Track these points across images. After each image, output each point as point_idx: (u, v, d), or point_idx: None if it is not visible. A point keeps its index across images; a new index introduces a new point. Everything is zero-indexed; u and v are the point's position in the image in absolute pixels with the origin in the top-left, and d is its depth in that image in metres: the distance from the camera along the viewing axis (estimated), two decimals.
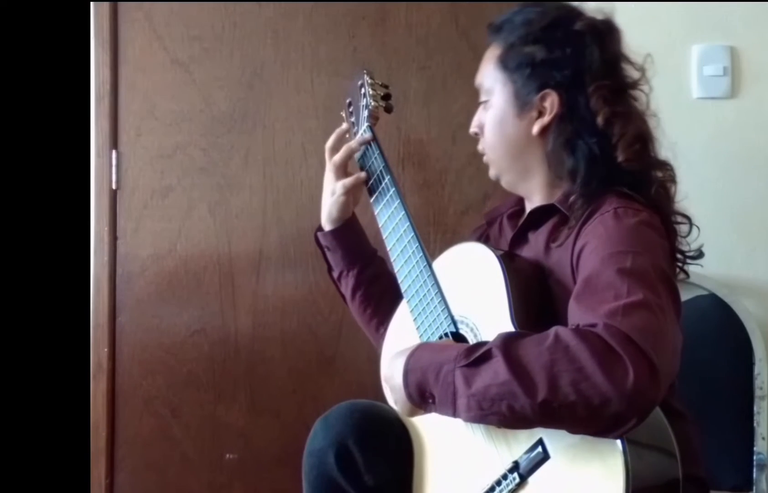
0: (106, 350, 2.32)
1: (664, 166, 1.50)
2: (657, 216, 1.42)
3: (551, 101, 1.47)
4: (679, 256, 1.48)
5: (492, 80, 1.53)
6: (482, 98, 1.57)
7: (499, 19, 1.56)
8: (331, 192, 1.68)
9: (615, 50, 1.52)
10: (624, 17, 2.26)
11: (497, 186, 1.61)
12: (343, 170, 1.68)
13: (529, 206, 1.57)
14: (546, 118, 1.48)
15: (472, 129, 1.59)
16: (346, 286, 1.74)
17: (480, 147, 1.59)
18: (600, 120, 1.44)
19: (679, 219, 1.49)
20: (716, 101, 2.26)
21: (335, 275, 1.76)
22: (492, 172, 1.58)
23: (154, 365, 2.34)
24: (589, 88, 1.46)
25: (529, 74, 1.48)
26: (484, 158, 1.58)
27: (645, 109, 1.52)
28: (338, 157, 1.67)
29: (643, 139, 1.47)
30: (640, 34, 2.26)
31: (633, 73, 1.52)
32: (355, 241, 1.72)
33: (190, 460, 2.33)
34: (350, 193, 1.68)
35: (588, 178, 1.44)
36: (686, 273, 1.51)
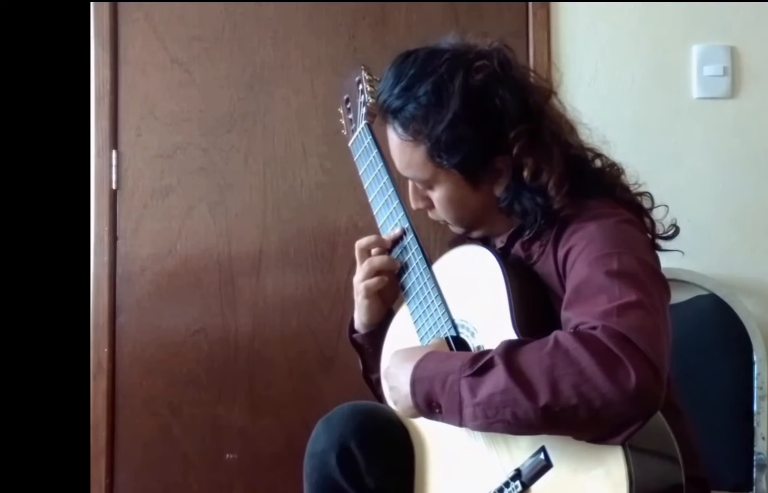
0: (106, 350, 2.32)
1: (606, 161, 1.48)
2: (632, 211, 1.42)
3: (504, 163, 1.43)
4: (658, 242, 1.47)
5: (430, 174, 1.45)
6: (417, 184, 1.49)
7: (387, 102, 1.44)
8: (358, 293, 1.57)
9: (518, 76, 1.45)
10: (625, 17, 2.29)
11: None
12: (372, 273, 1.54)
13: (496, 239, 1.54)
14: (505, 178, 1.44)
15: (417, 206, 1.51)
16: None
17: (434, 217, 1.53)
18: (527, 175, 1.40)
19: (644, 201, 1.47)
20: (716, 101, 2.27)
21: (375, 376, 1.62)
22: (457, 231, 1.54)
23: (154, 365, 2.34)
24: (510, 137, 1.40)
25: (472, 156, 1.41)
26: (442, 222, 1.53)
27: (563, 109, 1.48)
28: (377, 261, 1.53)
29: (572, 169, 1.43)
30: (640, 34, 2.29)
31: (543, 83, 1.49)
32: None
33: (190, 460, 2.33)
34: (375, 296, 1.55)
35: (535, 219, 1.42)
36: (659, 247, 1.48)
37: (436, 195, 1.47)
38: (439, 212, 1.50)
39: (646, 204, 1.47)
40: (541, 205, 1.41)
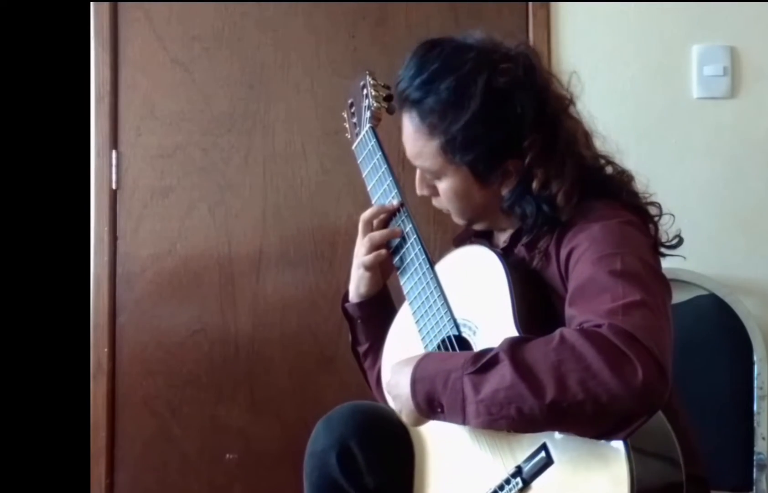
0: (106, 350, 2.32)
1: (617, 168, 1.48)
2: (635, 214, 1.42)
3: (515, 166, 1.43)
4: (661, 249, 1.47)
5: (439, 165, 1.46)
6: (426, 173, 1.50)
7: (406, 91, 1.44)
8: (358, 266, 1.60)
9: (540, 83, 1.45)
10: (625, 17, 2.29)
11: None
12: (373, 248, 1.57)
13: (499, 235, 1.55)
14: (513, 180, 1.44)
15: (422, 192, 1.52)
16: (374, 361, 1.65)
17: (437, 205, 1.54)
18: (535, 186, 1.41)
19: (652, 209, 1.47)
20: (716, 101, 2.27)
21: (362, 348, 1.67)
22: (459, 221, 1.55)
23: (154, 365, 2.34)
24: (524, 145, 1.41)
25: (484, 157, 1.42)
26: (445, 210, 1.54)
27: (579, 119, 1.48)
28: (378, 236, 1.55)
29: (583, 178, 1.43)
30: (640, 34, 2.29)
31: (563, 91, 1.48)
32: (387, 315, 1.61)
33: (190, 460, 2.33)
34: (376, 268, 1.58)
35: (535, 223, 1.43)
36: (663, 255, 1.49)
37: (443, 186, 1.48)
38: (443, 202, 1.51)
39: (654, 212, 1.47)
40: (546, 213, 1.42)
